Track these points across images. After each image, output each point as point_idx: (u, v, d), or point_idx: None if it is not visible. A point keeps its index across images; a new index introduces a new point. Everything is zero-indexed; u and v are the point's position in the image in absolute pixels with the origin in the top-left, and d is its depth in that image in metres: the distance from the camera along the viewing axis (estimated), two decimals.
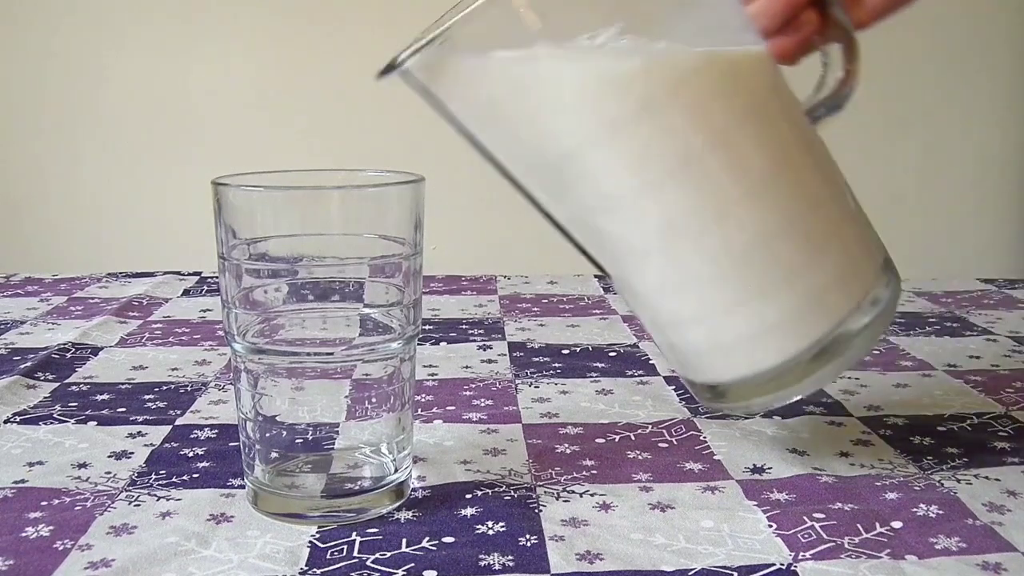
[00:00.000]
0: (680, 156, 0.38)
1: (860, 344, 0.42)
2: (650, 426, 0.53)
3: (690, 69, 0.38)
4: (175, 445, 0.50)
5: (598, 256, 0.44)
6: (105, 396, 0.58)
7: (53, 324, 0.74)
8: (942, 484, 0.45)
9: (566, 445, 0.50)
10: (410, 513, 0.43)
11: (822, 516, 0.42)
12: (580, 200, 0.41)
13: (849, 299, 0.42)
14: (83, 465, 0.47)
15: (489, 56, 0.38)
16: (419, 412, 0.55)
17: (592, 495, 0.44)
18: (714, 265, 0.40)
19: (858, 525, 0.41)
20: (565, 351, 0.68)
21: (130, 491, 0.45)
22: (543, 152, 0.40)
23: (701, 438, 0.51)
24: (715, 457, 0.49)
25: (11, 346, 0.68)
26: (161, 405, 0.56)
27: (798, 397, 0.43)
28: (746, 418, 0.54)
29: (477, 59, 0.38)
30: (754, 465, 0.48)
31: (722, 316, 0.42)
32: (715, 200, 0.39)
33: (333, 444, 0.44)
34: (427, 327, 0.73)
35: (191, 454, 0.49)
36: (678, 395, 0.58)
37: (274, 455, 0.43)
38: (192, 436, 0.51)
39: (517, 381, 0.61)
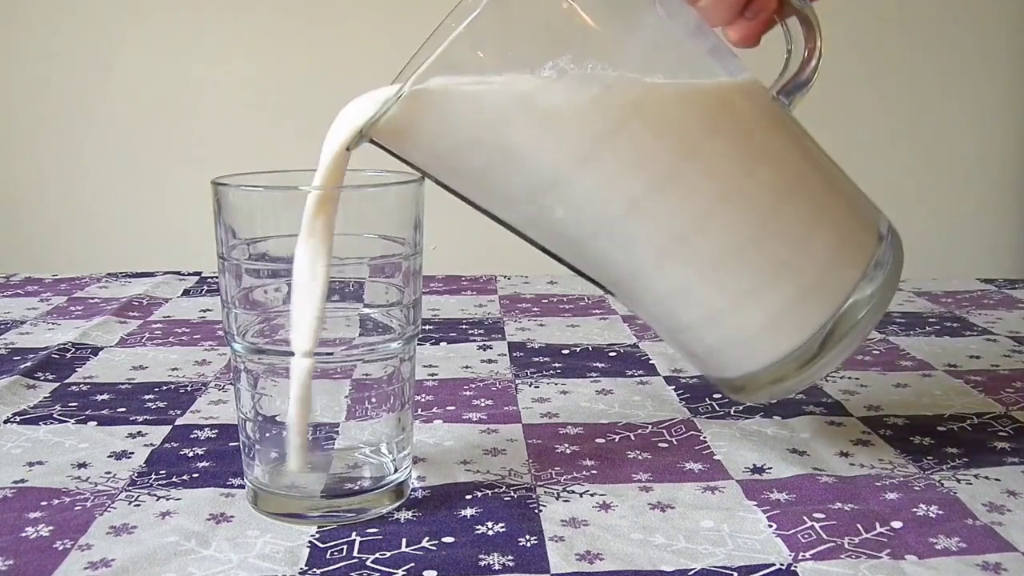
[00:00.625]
0: (656, 172, 0.39)
1: (872, 312, 0.42)
2: (650, 426, 0.53)
3: (650, 90, 0.39)
4: (175, 445, 0.50)
5: (596, 276, 0.45)
6: (105, 396, 0.58)
7: (53, 324, 0.74)
8: (942, 484, 0.45)
9: (566, 445, 0.50)
10: (410, 513, 0.43)
11: (822, 516, 0.42)
12: (567, 227, 0.41)
13: (854, 270, 0.42)
14: (83, 465, 0.47)
15: (452, 106, 0.39)
16: (419, 412, 0.55)
17: (592, 495, 0.44)
18: (710, 268, 0.41)
19: (858, 525, 0.41)
20: (565, 351, 0.68)
21: (130, 491, 0.45)
22: (523, 186, 0.40)
23: (701, 438, 0.51)
24: (715, 457, 0.49)
25: (11, 346, 0.68)
26: (161, 405, 0.56)
27: (823, 376, 0.43)
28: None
29: (439, 112, 0.39)
30: (754, 465, 0.48)
31: (728, 314, 0.42)
32: (699, 206, 0.40)
33: (333, 444, 0.44)
34: (427, 327, 0.73)
35: (191, 454, 0.49)
36: (678, 395, 0.58)
37: (274, 455, 0.43)
38: (192, 436, 0.51)
39: (517, 381, 0.61)
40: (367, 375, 0.43)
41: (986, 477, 0.46)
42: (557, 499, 0.44)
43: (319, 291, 0.39)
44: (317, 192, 0.39)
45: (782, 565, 0.38)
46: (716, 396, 0.58)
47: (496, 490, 0.45)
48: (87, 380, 0.61)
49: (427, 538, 0.40)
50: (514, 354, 0.67)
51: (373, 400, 0.43)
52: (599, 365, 0.64)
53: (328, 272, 0.39)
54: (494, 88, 0.38)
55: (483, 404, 0.56)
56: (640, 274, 0.42)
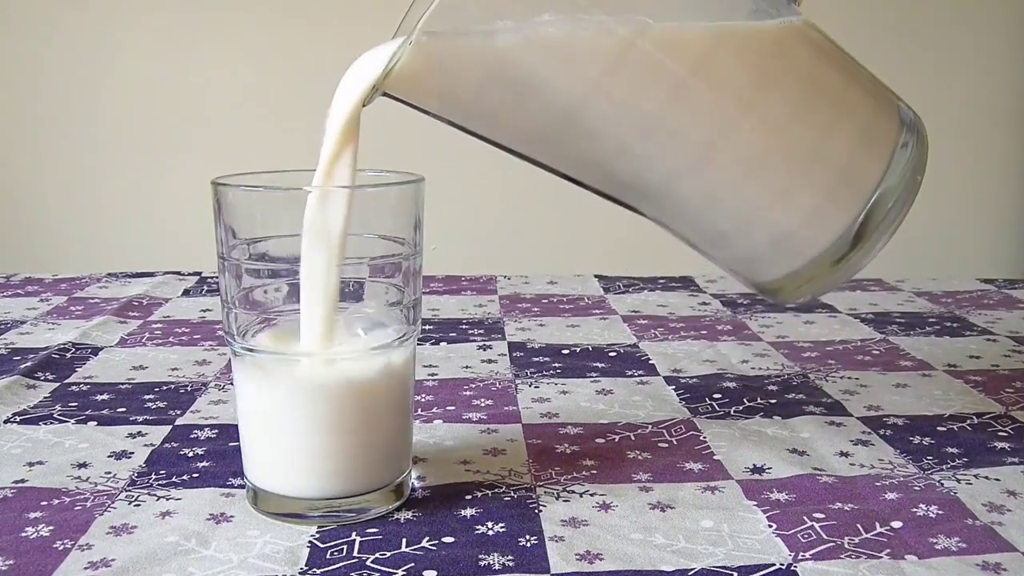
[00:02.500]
0: (677, 83, 0.39)
1: (901, 200, 0.42)
2: (650, 426, 0.53)
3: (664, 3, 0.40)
4: (175, 445, 0.50)
5: (625, 197, 0.44)
6: (105, 396, 0.58)
7: (53, 324, 0.74)
8: (942, 484, 0.45)
9: (566, 445, 0.50)
10: (410, 513, 0.43)
11: (822, 516, 0.42)
12: (594, 151, 0.41)
13: (879, 161, 0.42)
14: (83, 465, 0.47)
15: (462, 48, 0.39)
16: (419, 412, 0.55)
17: (592, 495, 0.44)
18: (741, 172, 0.41)
19: (858, 525, 0.41)
20: (565, 351, 0.68)
21: (130, 491, 0.45)
22: (545, 117, 0.40)
23: (701, 438, 0.51)
24: (715, 457, 0.49)
25: (11, 346, 0.68)
26: (161, 405, 0.56)
27: (859, 270, 0.43)
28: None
29: (449, 55, 0.39)
30: (754, 465, 0.48)
31: (763, 216, 0.42)
32: (722, 112, 0.40)
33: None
34: (427, 327, 0.73)
35: (191, 454, 0.49)
36: (678, 395, 0.58)
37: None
38: (192, 436, 0.51)
39: (517, 381, 0.61)
40: (367, 374, 0.43)
41: (986, 477, 0.46)
42: (557, 499, 0.44)
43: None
44: (335, 143, 0.39)
45: (782, 565, 0.38)
46: (716, 396, 0.58)
47: (496, 490, 0.45)
48: (87, 380, 0.61)
49: (427, 538, 0.40)
50: (514, 354, 0.67)
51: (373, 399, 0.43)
52: (599, 365, 0.64)
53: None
54: (504, 24, 0.38)
55: (483, 404, 0.56)
56: (672, 186, 0.42)
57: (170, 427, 0.53)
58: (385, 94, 0.40)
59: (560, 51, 0.38)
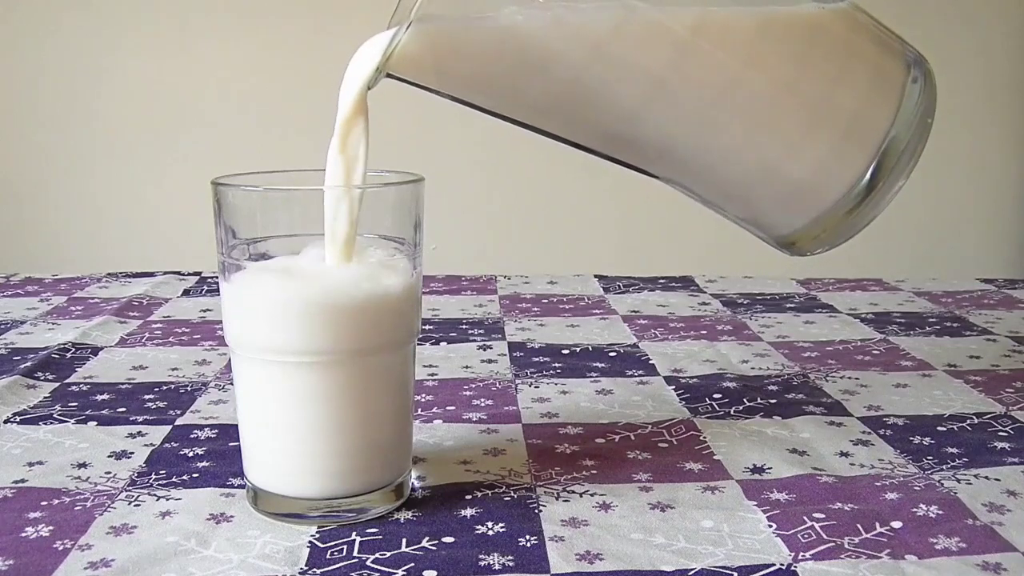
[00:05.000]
0: (682, 36, 0.40)
1: (913, 143, 0.42)
2: (650, 426, 0.53)
3: None
4: (175, 445, 0.50)
5: (639, 163, 0.45)
6: (105, 396, 0.58)
7: (53, 324, 0.74)
8: (942, 484, 0.45)
9: (566, 445, 0.50)
10: (410, 513, 0.43)
11: (822, 516, 0.42)
12: (607, 116, 0.42)
13: (888, 104, 0.42)
14: (83, 465, 0.47)
15: (463, 23, 0.39)
16: (419, 412, 0.55)
17: (592, 495, 0.44)
18: (753, 123, 0.41)
19: (858, 525, 0.41)
20: (565, 351, 0.68)
21: (130, 491, 0.45)
22: (551, 90, 0.41)
23: (701, 438, 0.51)
24: (715, 457, 0.49)
25: (11, 346, 0.68)
26: (161, 405, 0.56)
27: (874, 217, 0.44)
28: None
29: (455, 27, 0.39)
30: (754, 465, 0.48)
31: (778, 166, 0.42)
32: (729, 65, 0.40)
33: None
34: (427, 327, 0.73)
35: (191, 454, 0.49)
36: (678, 395, 0.58)
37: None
38: (192, 436, 0.51)
39: (517, 381, 0.61)
40: (367, 374, 0.43)
41: (986, 477, 0.46)
42: (557, 499, 0.44)
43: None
44: (343, 124, 0.41)
45: (782, 565, 0.38)
46: (716, 396, 0.58)
47: (496, 490, 0.45)
48: (87, 380, 0.61)
49: (427, 538, 0.40)
50: (514, 354, 0.67)
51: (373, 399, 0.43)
52: (599, 365, 0.64)
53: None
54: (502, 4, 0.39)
55: (483, 404, 0.56)
56: (683, 145, 0.42)
57: (170, 427, 0.53)
58: (390, 75, 0.40)
59: (562, 24, 0.39)
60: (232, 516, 0.42)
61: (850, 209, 0.43)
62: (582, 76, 0.40)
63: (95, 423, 0.53)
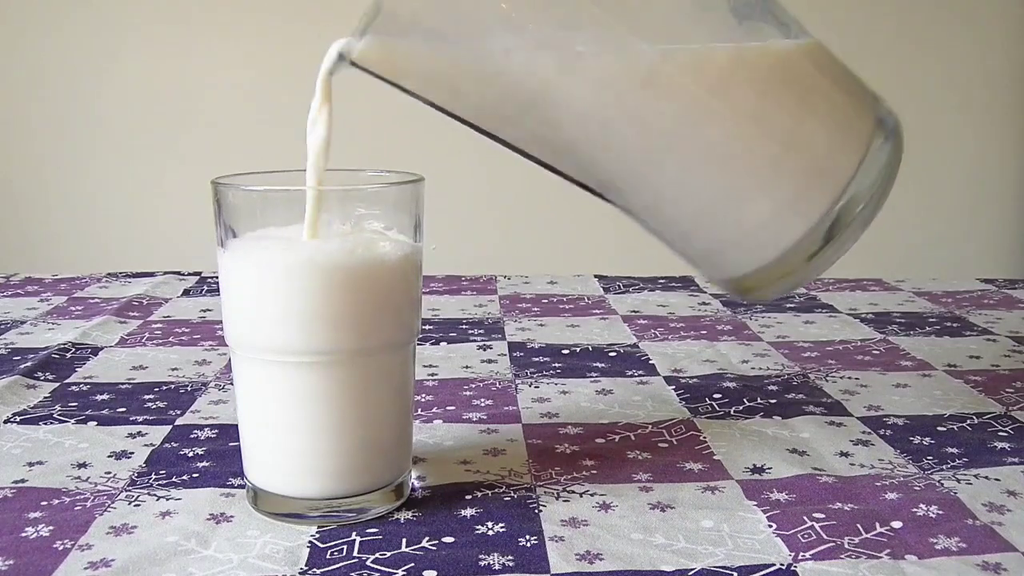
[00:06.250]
0: (642, 70, 0.39)
1: (875, 197, 0.42)
2: (650, 426, 0.53)
3: None
4: (175, 445, 0.50)
5: (596, 188, 0.44)
6: (105, 396, 0.58)
7: (53, 324, 0.74)
8: (942, 484, 0.45)
9: (566, 445, 0.50)
10: (410, 513, 0.43)
11: (822, 516, 0.42)
12: (561, 138, 0.41)
13: (853, 155, 0.41)
14: (83, 465, 0.47)
15: (422, 20, 0.40)
16: (419, 412, 0.55)
17: (592, 495, 0.44)
18: (711, 160, 0.41)
19: (858, 525, 0.41)
20: (565, 351, 0.68)
21: (130, 491, 0.45)
22: (512, 103, 0.40)
23: (701, 438, 0.51)
24: (715, 457, 0.49)
25: (11, 346, 0.68)
26: (161, 405, 0.56)
27: (829, 267, 0.43)
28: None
29: (411, 30, 0.40)
30: (754, 465, 0.48)
31: (734, 205, 0.42)
32: (686, 102, 0.40)
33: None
34: (427, 327, 0.73)
35: (191, 454, 0.49)
36: (678, 395, 0.58)
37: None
38: (192, 436, 0.51)
39: (517, 381, 0.61)
40: (367, 374, 0.43)
41: (986, 477, 0.46)
42: (557, 499, 0.44)
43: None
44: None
45: (782, 565, 0.38)
46: (716, 396, 0.58)
47: (496, 490, 0.45)
48: (87, 380, 0.61)
49: (427, 538, 0.40)
50: (514, 354, 0.67)
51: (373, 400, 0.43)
52: (599, 365, 0.64)
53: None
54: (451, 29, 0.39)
55: (483, 404, 0.56)
56: (641, 177, 0.42)
57: (170, 427, 0.53)
58: (360, 67, 0.41)
59: (511, 63, 0.39)
60: (232, 516, 0.42)
61: (809, 256, 0.42)
62: (537, 99, 0.40)
63: (95, 423, 0.53)
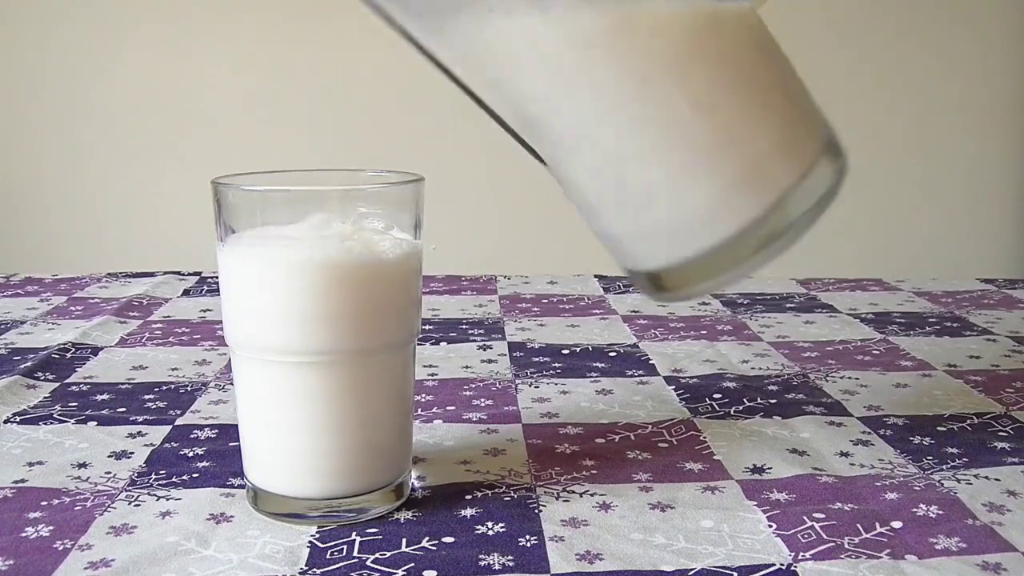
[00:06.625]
0: (584, 37, 0.38)
1: (809, 213, 0.40)
2: (650, 426, 0.53)
3: None
4: (175, 445, 0.50)
5: (532, 141, 0.43)
6: (105, 396, 0.58)
7: (53, 324, 0.74)
8: (942, 484, 0.45)
9: (566, 445, 0.50)
10: (410, 513, 0.43)
11: (822, 516, 0.42)
12: (508, 87, 0.40)
13: (794, 167, 0.40)
14: (83, 465, 0.47)
15: None
16: (419, 412, 0.55)
17: (592, 495, 0.44)
18: (642, 141, 0.39)
19: (858, 525, 0.41)
20: (565, 351, 0.68)
21: (130, 491, 0.45)
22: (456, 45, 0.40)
23: (701, 438, 0.51)
24: (715, 457, 0.49)
25: (11, 346, 0.68)
26: (161, 405, 0.56)
27: (750, 274, 0.41)
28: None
29: None
30: (754, 465, 0.48)
31: (666, 190, 0.40)
32: (632, 77, 0.38)
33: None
34: (427, 327, 0.73)
35: (191, 454, 0.49)
36: (678, 395, 0.58)
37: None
38: (192, 436, 0.51)
39: (517, 381, 0.61)
40: (367, 374, 0.43)
41: (986, 477, 0.46)
42: (557, 499, 0.44)
43: None
44: None
45: (782, 565, 0.38)
46: (716, 396, 0.58)
47: (496, 490, 0.45)
48: (87, 380, 0.61)
49: (427, 538, 0.40)
50: (514, 354, 0.67)
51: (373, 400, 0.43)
52: (599, 365, 0.64)
53: None
54: None
55: (483, 404, 0.56)
56: (578, 140, 0.40)
57: (170, 427, 0.53)
58: None
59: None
60: (232, 516, 0.42)
61: (731, 257, 0.40)
62: (476, 47, 0.38)
63: (95, 423, 0.53)
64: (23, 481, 0.46)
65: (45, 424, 0.53)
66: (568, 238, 1.28)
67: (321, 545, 0.40)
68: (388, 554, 0.39)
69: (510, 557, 0.39)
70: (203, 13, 1.21)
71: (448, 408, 0.56)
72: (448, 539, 0.40)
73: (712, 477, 0.46)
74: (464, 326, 0.74)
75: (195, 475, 0.46)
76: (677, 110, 0.39)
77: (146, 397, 0.58)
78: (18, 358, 0.64)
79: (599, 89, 0.39)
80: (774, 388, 0.59)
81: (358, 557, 0.39)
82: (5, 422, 0.53)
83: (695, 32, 0.39)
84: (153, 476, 0.46)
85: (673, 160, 0.40)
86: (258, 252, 0.41)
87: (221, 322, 0.43)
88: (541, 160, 0.43)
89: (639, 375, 0.62)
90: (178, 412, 0.55)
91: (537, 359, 0.66)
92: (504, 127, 0.43)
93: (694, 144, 0.39)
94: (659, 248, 0.42)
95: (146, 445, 0.50)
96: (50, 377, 0.61)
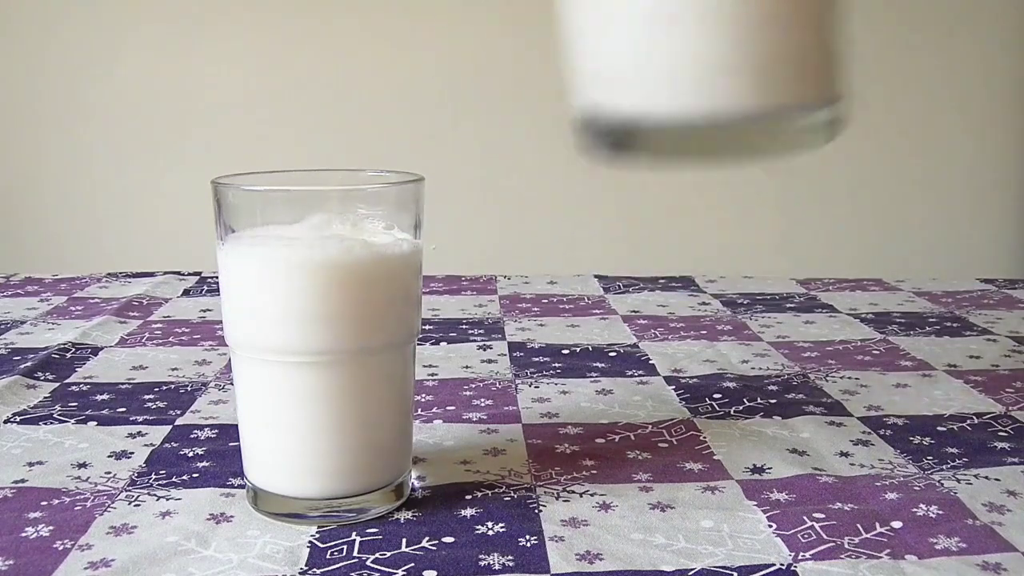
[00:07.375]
0: None
1: (769, 149, 0.40)
2: (650, 426, 0.53)
3: None
4: (175, 445, 0.50)
5: None
6: (105, 396, 0.58)
7: (53, 324, 0.74)
8: (942, 484, 0.45)
9: (566, 445, 0.50)
10: (410, 513, 0.43)
11: (822, 516, 0.42)
12: None
13: (794, 95, 0.39)
14: (83, 465, 0.47)
15: None
16: (419, 412, 0.55)
17: (592, 495, 0.44)
18: None
19: (858, 525, 0.41)
20: (565, 351, 0.68)
21: (130, 491, 0.45)
22: None
23: (701, 438, 0.51)
24: (715, 457, 0.49)
25: (11, 346, 0.68)
26: (161, 405, 0.56)
27: (721, 160, 0.40)
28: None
29: None
30: (754, 465, 0.48)
31: (687, 27, 0.37)
32: None
33: None
34: (427, 327, 0.73)
35: (191, 454, 0.49)
36: (678, 395, 0.58)
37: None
38: (192, 436, 0.51)
39: (517, 381, 0.61)
40: (367, 374, 0.43)
41: (986, 477, 0.46)
42: (557, 499, 0.44)
43: None
44: None
45: (782, 565, 0.38)
46: (716, 396, 0.58)
47: (496, 490, 0.45)
48: (87, 380, 0.61)
49: (427, 538, 0.40)
50: (514, 354, 0.67)
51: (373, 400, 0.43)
52: (599, 365, 0.64)
53: None
54: None
55: (483, 404, 0.56)
56: None
57: (170, 427, 0.53)
58: None
59: None
60: (232, 516, 0.42)
61: (730, 131, 0.38)
62: None
63: (95, 423, 0.53)
64: (23, 481, 0.46)
65: (45, 424, 0.53)
66: (568, 238, 1.28)
67: (321, 545, 0.40)
68: (388, 554, 0.39)
69: (510, 557, 0.39)
70: (203, 13, 1.21)
71: (448, 408, 0.56)
72: (448, 539, 0.40)
73: (712, 477, 0.46)
74: (464, 326, 0.74)
75: (195, 475, 0.46)
76: None
77: (146, 397, 0.57)
78: (18, 358, 0.64)
79: None
80: (774, 388, 0.59)
81: (358, 557, 0.39)
82: (5, 422, 0.53)
83: None
84: (153, 476, 0.46)
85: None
86: (258, 252, 0.41)
87: (221, 322, 0.43)
88: None
89: (639, 375, 0.62)
90: (178, 412, 0.55)
91: (537, 359, 0.66)
92: None
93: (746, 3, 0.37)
94: (657, 87, 0.38)
95: (146, 445, 0.50)
96: (50, 377, 0.61)
